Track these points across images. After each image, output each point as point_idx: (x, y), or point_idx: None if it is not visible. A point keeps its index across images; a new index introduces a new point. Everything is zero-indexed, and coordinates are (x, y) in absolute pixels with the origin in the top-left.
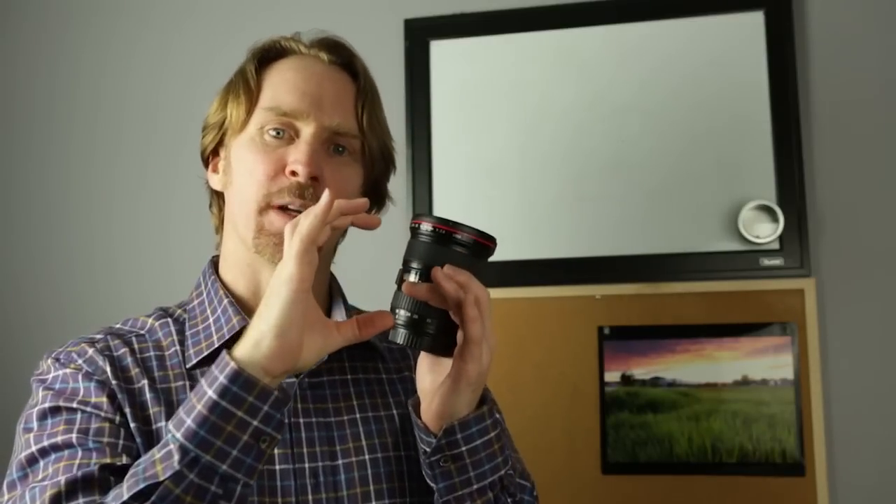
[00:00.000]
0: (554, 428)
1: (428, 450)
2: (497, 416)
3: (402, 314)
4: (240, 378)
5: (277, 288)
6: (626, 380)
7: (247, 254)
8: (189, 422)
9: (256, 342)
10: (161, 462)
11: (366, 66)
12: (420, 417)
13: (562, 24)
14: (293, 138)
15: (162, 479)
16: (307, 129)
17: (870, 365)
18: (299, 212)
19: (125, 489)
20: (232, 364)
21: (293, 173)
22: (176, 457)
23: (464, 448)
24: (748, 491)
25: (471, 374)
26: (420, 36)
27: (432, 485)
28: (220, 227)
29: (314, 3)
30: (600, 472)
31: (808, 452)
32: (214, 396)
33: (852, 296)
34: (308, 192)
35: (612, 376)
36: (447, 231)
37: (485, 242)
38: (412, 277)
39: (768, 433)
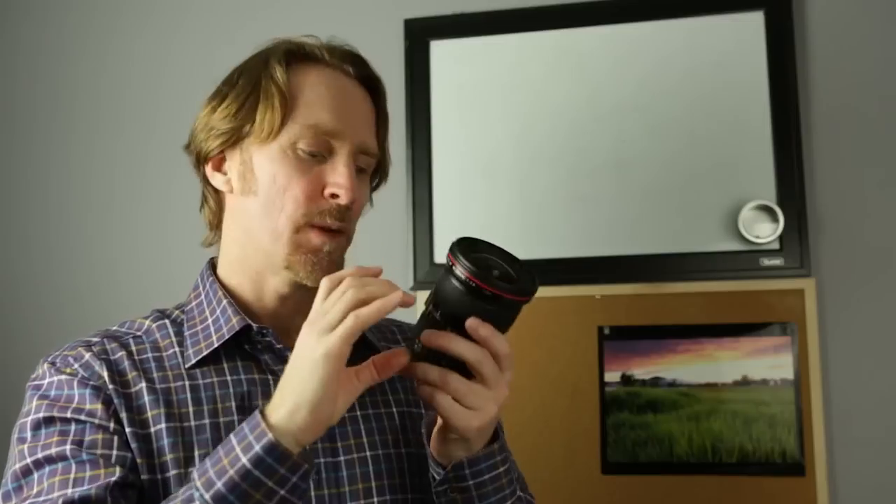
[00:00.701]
0: (554, 428)
1: (437, 477)
2: (502, 434)
3: (419, 346)
4: (276, 451)
5: (315, 361)
6: (627, 380)
7: (258, 260)
8: (219, 485)
9: (291, 413)
10: None
11: (383, 84)
12: (429, 444)
13: (562, 23)
14: (325, 157)
15: None
16: (343, 150)
17: (870, 365)
18: (335, 231)
19: None
20: (269, 436)
21: (334, 195)
22: None
23: (471, 482)
24: (748, 491)
25: (465, 430)
26: (420, 36)
27: None
28: (216, 225)
29: (314, 2)
30: (600, 471)
31: (808, 452)
32: (248, 465)
33: (852, 296)
34: (347, 214)
35: (612, 376)
36: (478, 286)
37: (518, 299)
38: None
39: (768, 433)
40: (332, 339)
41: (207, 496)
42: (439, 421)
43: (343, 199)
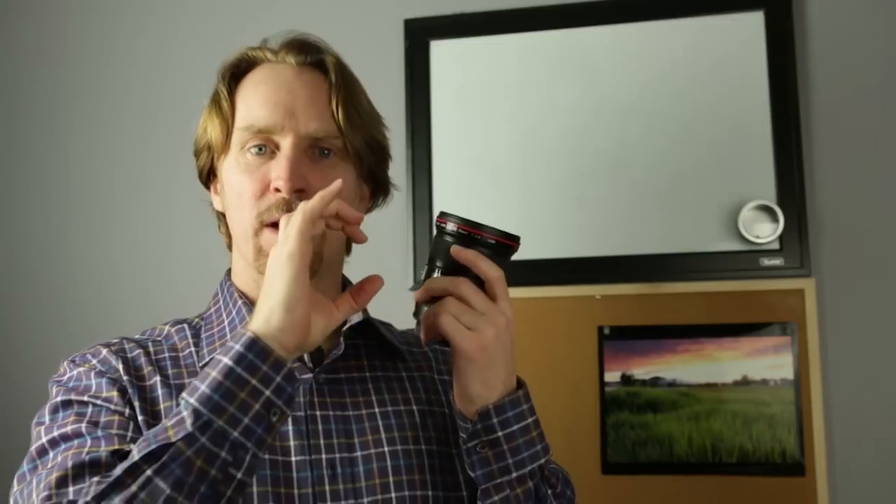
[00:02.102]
0: (554, 428)
1: (465, 436)
2: (526, 386)
3: (425, 310)
4: (255, 346)
5: (280, 266)
6: (626, 380)
7: (252, 272)
8: (203, 387)
9: (267, 318)
10: (173, 427)
11: (338, 60)
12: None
13: (561, 23)
14: (275, 152)
15: (174, 440)
16: (285, 142)
17: (870, 365)
18: None
19: (135, 451)
20: (248, 333)
21: (277, 189)
22: (189, 420)
23: (500, 433)
24: (748, 491)
25: (468, 350)
26: (420, 36)
27: (471, 473)
28: (231, 246)
29: (314, 3)
30: (600, 472)
31: (808, 452)
32: (230, 363)
33: (852, 296)
34: (295, 205)
35: (612, 376)
36: (469, 232)
37: (507, 242)
38: (436, 276)
39: (768, 433)
40: (289, 241)
41: (192, 399)
42: (456, 365)
43: (283, 191)
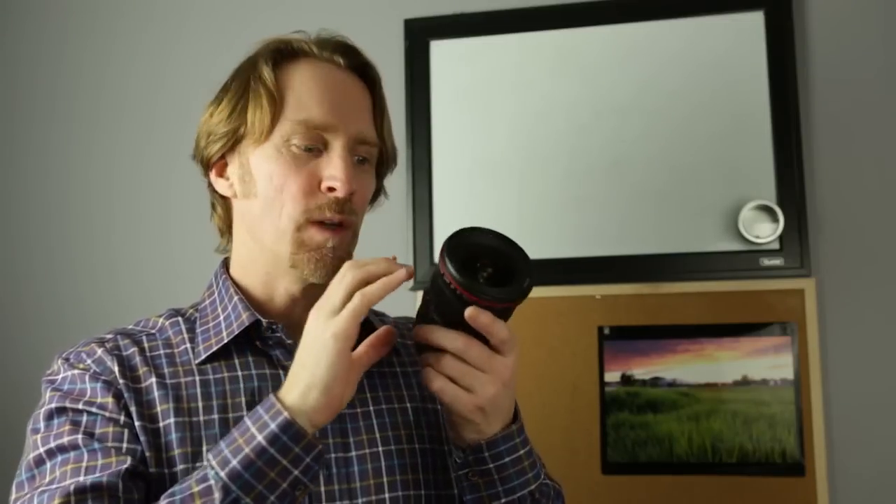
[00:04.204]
0: (554, 428)
1: (458, 461)
2: (521, 417)
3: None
4: (291, 429)
5: (325, 341)
6: (626, 380)
7: (266, 261)
8: (235, 462)
9: (304, 395)
10: (200, 497)
11: (377, 71)
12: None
13: (562, 24)
14: (321, 150)
15: None
16: (338, 142)
17: (870, 365)
18: (337, 225)
19: None
20: (285, 414)
21: (331, 189)
22: (217, 495)
23: (491, 465)
24: (748, 491)
25: (463, 412)
26: (420, 36)
27: (461, 494)
28: (226, 231)
29: (314, 3)
30: (600, 472)
31: (808, 452)
32: (264, 443)
33: (852, 296)
34: (347, 206)
35: (612, 376)
36: (469, 298)
37: (507, 305)
38: (433, 326)
39: (768, 433)
40: (339, 319)
41: (223, 474)
42: (448, 419)
43: (340, 192)
